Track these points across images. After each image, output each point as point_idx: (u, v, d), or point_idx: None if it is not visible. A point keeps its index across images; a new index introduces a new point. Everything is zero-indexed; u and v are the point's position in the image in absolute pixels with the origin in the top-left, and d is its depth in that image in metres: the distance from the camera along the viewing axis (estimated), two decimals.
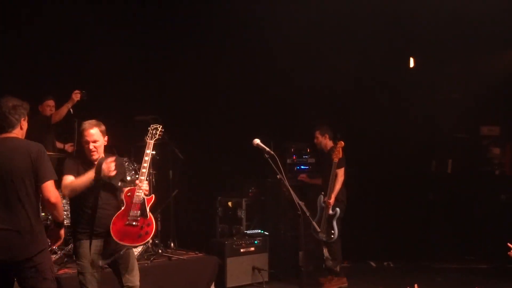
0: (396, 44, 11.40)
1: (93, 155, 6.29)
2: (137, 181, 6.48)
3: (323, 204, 9.14)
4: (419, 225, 11.23)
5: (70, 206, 6.51)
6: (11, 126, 5.37)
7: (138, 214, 6.31)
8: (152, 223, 6.36)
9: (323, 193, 9.17)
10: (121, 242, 6.24)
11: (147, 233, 6.32)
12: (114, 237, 6.18)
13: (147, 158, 6.57)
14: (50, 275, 5.42)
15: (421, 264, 10.80)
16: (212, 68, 10.87)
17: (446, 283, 9.62)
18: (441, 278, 9.87)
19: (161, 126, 6.76)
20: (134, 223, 6.26)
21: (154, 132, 6.77)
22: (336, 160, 9.05)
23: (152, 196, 6.53)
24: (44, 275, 5.33)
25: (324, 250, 9.28)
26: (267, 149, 5.83)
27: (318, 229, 6.13)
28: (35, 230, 5.30)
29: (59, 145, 9.68)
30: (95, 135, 6.43)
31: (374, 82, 11.65)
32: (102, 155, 6.40)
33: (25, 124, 5.54)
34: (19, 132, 5.45)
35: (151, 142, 6.72)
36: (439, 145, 12.07)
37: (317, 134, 9.70)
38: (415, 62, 11.93)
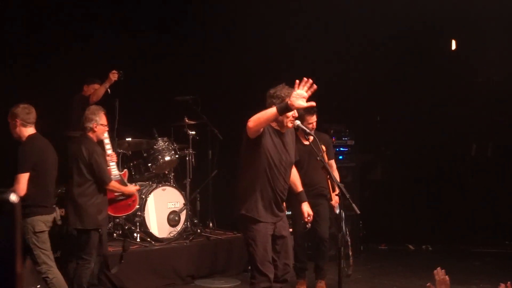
0: (437, 25, 11.27)
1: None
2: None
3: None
4: (458, 209, 11.14)
5: None
6: None
7: None
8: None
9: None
10: (118, 215, 8.05)
11: (134, 201, 7.94)
12: (111, 214, 7.73)
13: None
14: None
15: (460, 248, 10.74)
16: (252, 50, 10.87)
17: (484, 267, 9.55)
18: (479, 263, 9.80)
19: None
20: (120, 197, 7.69)
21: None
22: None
23: (125, 171, 8.06)
24: None
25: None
26: (308, 130, 5.83)
27: (358, 211, 6.09)
28: None
29: None
30: None
31: (414, 64, 11.54)
32: None
33: None
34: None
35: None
36: (480, 128, 11.93)
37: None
38: (457, 44, 11.78)
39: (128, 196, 7.79)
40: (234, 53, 10.83)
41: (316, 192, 7.70)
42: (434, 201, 11.24)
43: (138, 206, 8.35)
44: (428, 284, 3.98)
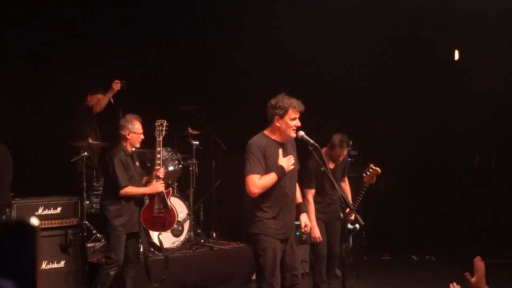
0: (440, 36, 11.29)
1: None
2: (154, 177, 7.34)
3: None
4: (462, 219, 11.14)
5: None
6: None
7: (161, 206, 7.39)
8: (174, 214, 7.55)
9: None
10: (155, 231, 8.09)
11: (171, 223, 7.66)
12: (148, 228, 7.64)
13: (159, 156, 7.35)
14: None
15: (463, 258, 10.66)
16: (254, 59, 10.89)
17: (488, 277, 9.51)
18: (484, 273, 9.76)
19: (165, 122, 7.41)
20: (160, 215, 7.43)
21: (160, 128, 7.44)
22: (367, 184, 8.09)
23: (170, 190, 7.71)
24: None
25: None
26: (311, 141, 5.83)
27: (362, 222, 6.12)
28: None
29: None
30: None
31: (418, 74, 11.56)
32: None
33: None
34: None
35: (160, 140, 7.42)
36: (483, 139, 11.95)
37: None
38: (459, 54, 11.80)
39: (167, 214, 7.54)
40: (238, 63, 10.84)
41: (334, 208, 7.79)
42: (438, 211, 11.24)
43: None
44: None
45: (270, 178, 5.62)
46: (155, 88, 10.52)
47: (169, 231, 8.66)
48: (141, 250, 7.66)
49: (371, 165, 7.86)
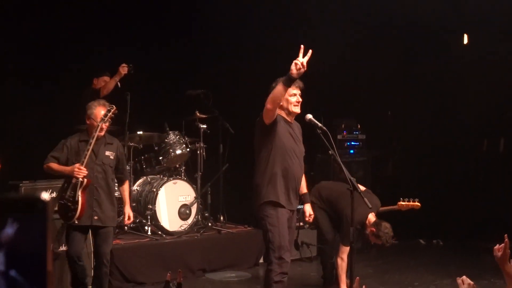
0: (450, 20, 11.22)
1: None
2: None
3: None
4: (470, 204, 11.11)
5: None
6: None
7: (72, 195, 6.47)
8: (77, 208, 6.41)
9: None
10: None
11: (72, 216, 6.44)
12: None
13: (91, 141, 6.47)
14: None
15: (471, 243, 10.70)
16: (264, 43, 10.86)
17: (496, 262, 9.51)
18: (491, 258, 9.72)
19: (114, 107, 6.62)
20: (68, 203, 6.46)
21: (107, 113, 6.58)
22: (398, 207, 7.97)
23: (87, 183, 6.49)
24: None
25: None
26: (320, 124, 5.83)
27: (370, 206, 6.13)
28: None
29: None
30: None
31: (426, 59, 11.50)
32: None
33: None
34: None
35: (102, 125, 6.54)
36: (491, 124, 11.89)
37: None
38: (469, 38, 11.73)
39: (72, 205, 6.51)
40: (246, 47, 10.82)
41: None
42: (445, 196, 11.20)
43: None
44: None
45: (276, 88, 5.59)
46: (162, 72, 10.50)
47: (177, 215, 8.69)
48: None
49: (416, 201, 7.76)
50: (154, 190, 8.59)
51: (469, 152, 11.71)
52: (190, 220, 8.81)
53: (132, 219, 7.15)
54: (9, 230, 0.93)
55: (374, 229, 7.42)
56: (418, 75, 11.56)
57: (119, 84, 9.02)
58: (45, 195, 0.96)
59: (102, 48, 9.76)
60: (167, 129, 9.09)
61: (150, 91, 10.39)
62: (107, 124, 6.61)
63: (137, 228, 8.52)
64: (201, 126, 9.20)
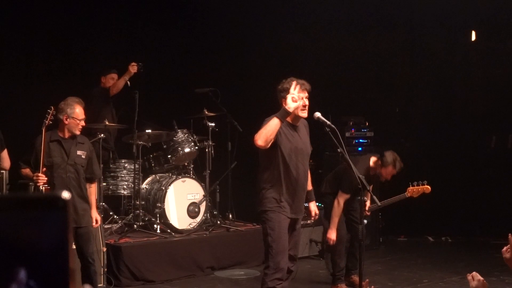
0: (457, 16, 11.20)
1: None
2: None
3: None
4: (478, 200, 11.09)
5: None
6: None
7: None
8: None
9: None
10: None
11: None
12: None
13: (40, 148, 6.27)
14: None
15: (479, 239, 10.70)
16: (271, 41, 10.88)
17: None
18: (499, 254, 9.70)
19: (52, 108, 6.39)
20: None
21: (48, 116, 6.38)
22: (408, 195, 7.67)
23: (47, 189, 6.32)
24: None
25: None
26: (328, 122, 5.82)
27: (379, 203, 6.16)
28: None
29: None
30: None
31: (434, 55, 11.49)
32: None
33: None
34: None
35: (43, 130, 6.33)
36: (500, 120, 11.87)
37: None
38: (476, 35, 11.71)
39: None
40: (254, 45, 10.83)
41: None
42: (454, 193, 11.18)
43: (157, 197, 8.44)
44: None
45: (270, 123, 5.54)
46: (171, 71, 10.53)
47: (186, 213, 8.72)
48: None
49: (425, 182, 7.55)
50: (163, 188, 8.61)
51: (477, 148, 11.69)
52: (199, 218, 8.83)
53: (99, 222, 6.88)
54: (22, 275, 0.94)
55: (380, 162, 7.51)
56: (425, 71, 11.56)
57: (128, 82, 9.04)
58: (66, 194, 0.98)
59: (109, 47, 9.80)
60: (176, 127, 9.10)
61: (159, 89, 10.42)
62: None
63: (146, 226, 8.55)
64: (210, 124, 9.20)
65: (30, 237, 0.92)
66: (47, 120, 6.31)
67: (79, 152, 6.51)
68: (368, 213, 7.63)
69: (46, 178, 6.21)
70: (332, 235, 7.36)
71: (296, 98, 5.51)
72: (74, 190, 6.41)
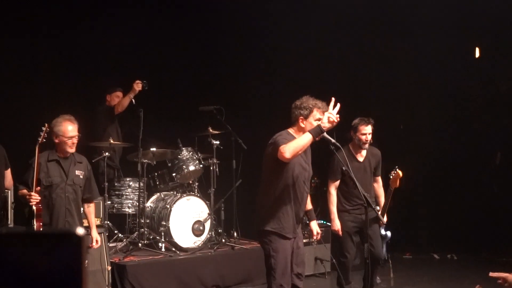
0: (461, 33, 11.23)
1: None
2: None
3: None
4: (483, 218, 11.07)
5: None
6: None
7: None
8: None
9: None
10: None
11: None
12: None
13: (34, 165, 6.16)
14: None
15: (485, 257, 10.66)
16: (277, 60, 10.92)
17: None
18: (506, 271, 9.70)
19: (46, 125, 6.29)
20: None
21: (42, 133, 6.27)
22: (392, 188, 7.55)
23: (35, 211, 6.17)
24: None
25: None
26: (333, 140, 5.81)
27: (384, 221, 6.15)
28: None
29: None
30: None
31: (438, 72, 11.51)
32: None
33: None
34: None
35: (36, 148, 6.21)
36: (504, 136, 11.87)
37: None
38: (480, 51, 11.73)
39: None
40: (258, 64, 10.87)
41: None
42: (459, 210, 11.18)
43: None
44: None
45: (303, 138, 5.51)
46: (175, 88, 10.57)
47: (191, 231, 8.71)
48: None
49: (396, 168, 7.50)
50: (168, 206, 8.61)
51: (482, 164, 11.68)
52: (203, 237, 8.82)
53: (99, 243, 6.78)
54: None
55: (351, 135, 7.51)
56: (429, 87, 11.57)
57: (133, 100, 9.06)
58: (80, 230, 0.99)
59: (114, 64, 9.84)
60: (180, 145, 9.11)
61: (163, 107, 10.45)
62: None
63: (151, 244, 8.53)
64: (214, 142, 9.21)
65: (45, 271, 0.92)
66: (40, 138, 6.21)
67: (77, 172, 6.44)
68: (383, 223, 7.53)
69: (39, 198, 6.12)
70: (335, 226, 7.36)
71: (333, 118, 5.46)
72: (73, 211, 6.36)
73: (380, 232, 7.60)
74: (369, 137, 7.50)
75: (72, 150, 6.36)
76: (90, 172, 6.64)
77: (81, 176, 6.45)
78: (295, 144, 5.45)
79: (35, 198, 6.09)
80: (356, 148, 7.46)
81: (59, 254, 0.91)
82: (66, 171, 6.35)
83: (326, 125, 5.43)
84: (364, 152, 7.52)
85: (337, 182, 7.41)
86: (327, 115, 5.44)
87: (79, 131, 6.40)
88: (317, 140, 5.59)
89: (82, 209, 6.65)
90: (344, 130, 10.13)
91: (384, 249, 7.94)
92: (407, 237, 10.40)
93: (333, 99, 5.53)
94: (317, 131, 5.45)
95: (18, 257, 0.93)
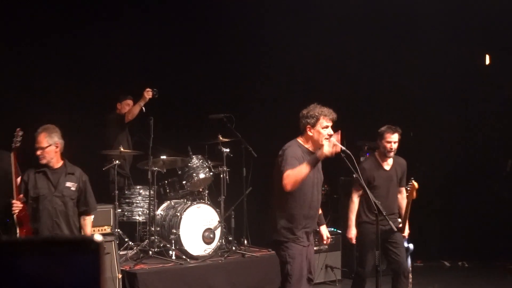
0: (471, 40, 11.21)
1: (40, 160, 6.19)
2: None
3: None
4: (494, 225, 11.03)
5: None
6: None
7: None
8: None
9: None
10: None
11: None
12: None
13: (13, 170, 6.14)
14: None
15: (496, 264, 10.62)
16: (286, 68, 10.92)
17: None
18: None
19: (17, 130, 6.22)
20: None
21: (14, 139, 6.19)
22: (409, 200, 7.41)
23: (23, 215, 6.19)
24: None
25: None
26: (343, 148, 5.80)
27: (395, 229, 6.12)
28: None
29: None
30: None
31: (447, 79, 11.49)
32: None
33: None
34: None
35: (11, 154, 6.17)
36: None
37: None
38: (490, 59, 11.71)
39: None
40: (268, 71, 10.87)
41: (393, 220, 7.18)
42: (470, 217, 11.13)
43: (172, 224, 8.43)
44: None
45: (302, 170, 5.51)
46: (185, 96, 10.58)
47: (201, 239, 8.70)
48: None
49: (412, 179, 7.37)
50: (178, 214, 8.61)
51: (493, 172, 11.64)
52: (214, 244, 8.81)
53: None
54: None
55: (378, 142, 7.47)
56: (439, 95, 11.55)
57: (143, 108, 9.07)
58: (98, 237, 0.99)
59: (124, 73, 9.86)
60: (190, 153, 9.12)
61: (173, 115, 10.47)
62: (41, 151, 6.13)
63: (161, 252, 8.53)
64: (224, 149, 9.21)
65: (62, 280, 0.92)
66: (13, 144, 6.13)
67: (68, 184, 6.25)
68: (405, 236, 7.50)
69: (21, 205, 6.06)
70: (350, 233, 7.31)
71: (337, 148, 5.49)
72: (62, 224, 6.20)
73: (403, 242, 7.54)
74: (395, 145, 7.41)
75: (42, 161, 6.17)
76: (85, 184, 6.42)
77: (72, 188, 6.26)
78: (294, 177, 5.51)
79: (17, 205, 6.04)
80: (382, 156, 7.41)
81: (77, 262, 0.92)
82: (54, 183, 6.19)
83: (325, 151, 5.41)
84: (390, 161, 7.45)
85: (361, 191, 7.33)
86: (332, 141, 5.48)
87: (41, 143, 6.13)
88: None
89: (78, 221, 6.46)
90: (356, 140, 10.19)
91: (409, 261, 7.80)
92: (418, 245, 10.32)
93: (339, 132, 5.64)
94: (313, 162, 5.52)
95: (33, 265, 0.93)
